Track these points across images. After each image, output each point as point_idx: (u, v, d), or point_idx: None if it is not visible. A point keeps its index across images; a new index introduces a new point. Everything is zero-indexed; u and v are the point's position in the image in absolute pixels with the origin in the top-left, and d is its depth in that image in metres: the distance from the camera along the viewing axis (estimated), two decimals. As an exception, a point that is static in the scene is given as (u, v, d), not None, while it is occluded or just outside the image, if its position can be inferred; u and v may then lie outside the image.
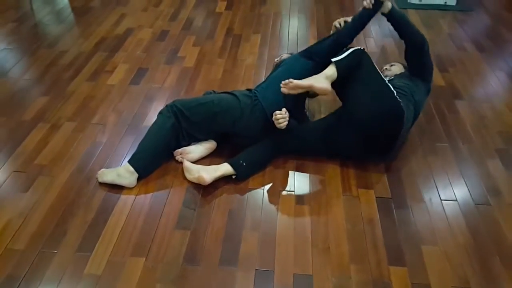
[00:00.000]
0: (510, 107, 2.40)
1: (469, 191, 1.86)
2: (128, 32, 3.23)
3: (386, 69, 2.28)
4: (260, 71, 2.74)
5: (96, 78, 2.66)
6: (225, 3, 3.73)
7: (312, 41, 3.11)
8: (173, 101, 1.97)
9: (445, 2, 3.62)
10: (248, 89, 2.05)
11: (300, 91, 1.81)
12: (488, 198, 1.83)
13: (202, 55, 2.93)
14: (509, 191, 1.86)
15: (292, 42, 3.10)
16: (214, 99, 1.94)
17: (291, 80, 1.78)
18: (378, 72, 1.86)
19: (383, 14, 2.03)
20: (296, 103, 2.05)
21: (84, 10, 3.57)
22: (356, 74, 1.85)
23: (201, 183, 1.82)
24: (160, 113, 1.96)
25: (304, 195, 1.85)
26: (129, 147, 2.09)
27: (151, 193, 1.85)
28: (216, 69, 2.77)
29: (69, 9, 3.60)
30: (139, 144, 1.92)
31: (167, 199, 1.82)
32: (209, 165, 1.95)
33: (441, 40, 3.13)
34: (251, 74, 2.71)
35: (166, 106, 1.97)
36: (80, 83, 2.62)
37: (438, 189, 1.87)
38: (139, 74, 2.70)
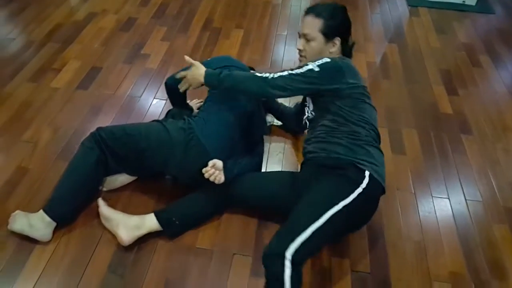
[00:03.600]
0: (528, 148, 1.99)
1: (468, 270, 1.49)
2: (89, 18, 2.76)
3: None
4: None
5: (39, 78, 2.24)
6: (209, -15, 3.22)
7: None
8: (97, 129, 1.56)
9: (464, 1, 3.12)
10: (183, 118, 1.59)
11: None
12: (490, 280, 1.47)
13: (171, 53, 2.48)
14: (516, 271, 1.50)
15: (279, 43, 2.64)
16: (142, 131, 1.52)
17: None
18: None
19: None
20: (248, 132, 1.68)
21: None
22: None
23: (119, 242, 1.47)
24: (82, 143, 1.55)
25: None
26: (58, 178, 1.70)
27: (73, 248, 1.48)
28: (184, 73, 2.33)
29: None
30: (57, 185, 1.53)
31: (91, 258, 1.46)
32: (144, 210, 1.57)
33: (453, 51, 2.66)
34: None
35: (90, 134, 1.56)
36: (20, 84, 2.20)
37: (429, 265, 1.50)
38: (90, 75, 2.27)
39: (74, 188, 1.52)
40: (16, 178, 1.72)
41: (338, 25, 1.53)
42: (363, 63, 2.49)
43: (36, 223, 1.46)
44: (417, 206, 1.70)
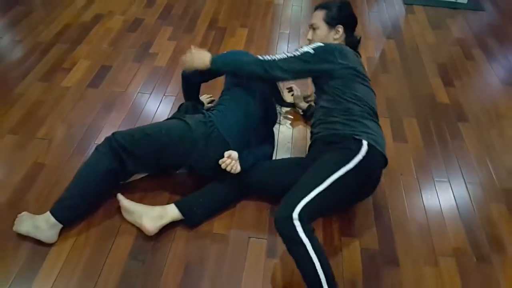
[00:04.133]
0: (521, 134, 2.10)
1: (470, 246, 1.59)
2: (96, 19, 2.84)
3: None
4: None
5: (50, 78, 2.31)
6: (211, -14, 3.32)
7: (303, 42, 2.75)
8: (113, 134, 1.56)
9: (456, 0, 3.25)
10: (202, 112, 1.66)
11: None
12: (490, 254, 1.57)
13: (178, 52, 2.56)
14: (513, 245, 1.60)
15: (282, 40, 2.73)
16: (162, 128, 1.57)
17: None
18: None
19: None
20: (263, 121, 1.77)
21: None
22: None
23: (144, 232, 1.54)
24: (96, 149, 1.56)
25: (278, 244, 1.57)
26: (74, 173, 1.76)
27: (93, 239, 1.54)
28: (191, 70, 2.42)
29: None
30: (67, 187, 1.53)
31: (112, 247, 1.52)
32: (158, 201, 1.64)
33: (448, 46, 2.78)
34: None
35: (105, 139, 1.57)
36: (31, 84, 2.26)
37: (434, 242, 1.60)
38: (100, 74, 2.35)
39: (83, 193, 1.53)
40: (33, 173, 1.77)
41: (340, 15, 1.70)
42: (363, 58, 2.59)
43: (41, 225, 1.47)
44: (420, 190, 1.79)
